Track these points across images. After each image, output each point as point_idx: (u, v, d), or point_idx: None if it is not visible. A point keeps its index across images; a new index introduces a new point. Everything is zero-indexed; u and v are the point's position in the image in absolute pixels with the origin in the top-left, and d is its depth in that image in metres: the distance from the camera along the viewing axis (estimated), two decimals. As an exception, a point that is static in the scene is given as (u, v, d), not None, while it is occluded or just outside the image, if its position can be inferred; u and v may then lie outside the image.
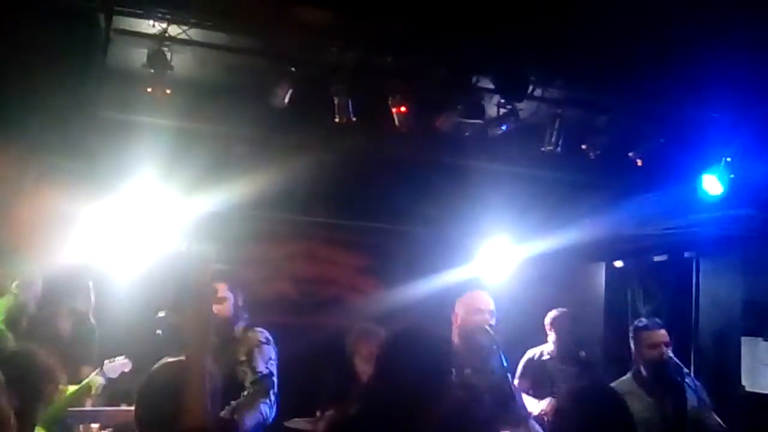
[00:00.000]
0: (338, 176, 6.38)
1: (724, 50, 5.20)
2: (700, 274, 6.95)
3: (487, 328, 4.96)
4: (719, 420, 4.98)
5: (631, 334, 5.28)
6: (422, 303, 6.28)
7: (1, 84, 4.79)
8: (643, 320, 5.33)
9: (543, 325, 6.48)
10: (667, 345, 5.14)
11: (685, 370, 5.56)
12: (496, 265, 7.15)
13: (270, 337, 4.78)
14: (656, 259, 7.28)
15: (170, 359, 3.06)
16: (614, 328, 6.45)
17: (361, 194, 6.62)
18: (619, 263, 7.61)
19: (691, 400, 5.08)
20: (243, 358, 4.63)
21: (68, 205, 5.45)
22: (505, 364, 5.07)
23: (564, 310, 6.39)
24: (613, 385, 5.12)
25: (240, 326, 4.81)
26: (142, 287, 5.80)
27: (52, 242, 5.14)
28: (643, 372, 5.15)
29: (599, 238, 6.76)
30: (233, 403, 4.37)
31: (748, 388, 6.43)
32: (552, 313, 6.40)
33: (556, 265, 7.05)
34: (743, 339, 6.57)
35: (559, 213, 6.64)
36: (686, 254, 7.07)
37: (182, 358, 3.01)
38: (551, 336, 6.35)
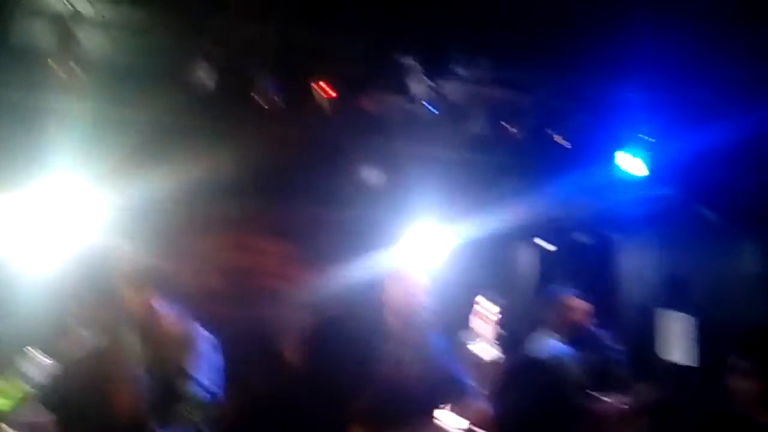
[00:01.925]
0: (262, 163, 5.98)
1: (644, 29, 5.03)
2: (621, 252, 6.83)
3: (420, 306, 4.74)
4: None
5: (546, 301, 5.38)
6: (352, 288, 5.97)
7: None
8: (557, 287, 5.39)
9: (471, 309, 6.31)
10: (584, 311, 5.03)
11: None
12: (425, 248, 6.87)
13: (205, 333, 4.39)
14: (580, 238, 7.13)
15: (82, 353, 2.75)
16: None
17: (287, 180, 6.24)
18: (545, 244, 7.44)
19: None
20: (173, 355, 4.27)
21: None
22: (440, 344, 4.85)
23: (491, 292, 6.23)
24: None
25: (173, 324, 4.44)
26: (53, 282, 5.32)
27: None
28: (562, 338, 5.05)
29: (525, 219, 6.56)
30: None
31: (666, 360, 6.32)
32: (479, 297, 6.24)
33: (483, 247, 6.81)
34: (662, 312, 6.45)
35: (484, 196, 6.39)
36: (607, 233, 6.94)
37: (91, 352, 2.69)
38: (479, 319, 6.19)
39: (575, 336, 5.05)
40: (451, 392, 4.62)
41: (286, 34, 4.81)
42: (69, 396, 2.65)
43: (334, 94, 5.01)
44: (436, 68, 5.05)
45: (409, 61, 5.11)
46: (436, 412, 4.48)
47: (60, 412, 2.70)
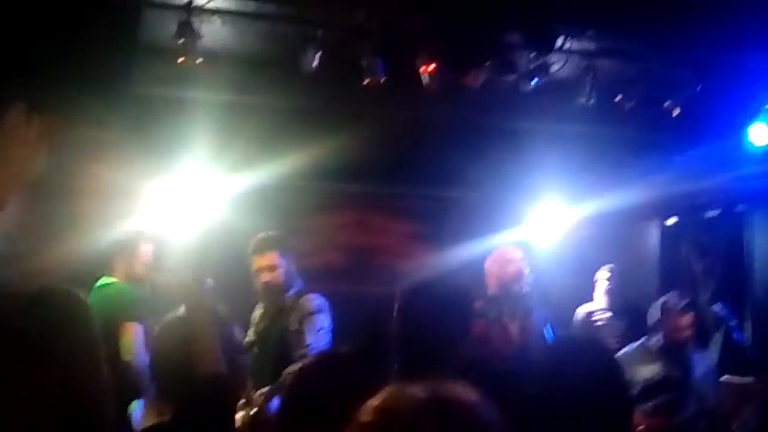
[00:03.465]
0: (381, 143, 6.14)
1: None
2: (753, 227, 6.48)
3: (522, 279, 4.81)
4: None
5: (659, 309, 5.01)
6: (472, 267, 6.03)
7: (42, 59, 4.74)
8: (674, 298, 5.03)
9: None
10: (689, 329, 4.91)
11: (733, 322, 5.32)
12: (548, 227, 6.82)
13: (323, 304, 4.59)
14: (708, 215, 6.81)
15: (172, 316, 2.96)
16: (669, 287, 6.04)
17: (406, 161, 6.34)
18: (671, 221, 7.17)
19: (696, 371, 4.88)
20: (294, 327, 4.47)
21: (126, 180, 5.40)
22: (543, 315, 4.89)
23: (611, 266, 6.14)
24: (623, 352, 4.98)
25: (292, 293, 4.65)
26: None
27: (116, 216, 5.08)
28: (656, 344, 4.93)
29: (650, 196, 6.36)
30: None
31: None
32: (601, 270, 6.18)
33: (609, 225, 6.66)
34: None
35: (608, 173, 6.24)
36: (737, 208, 6.60)
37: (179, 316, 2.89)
38: (599, 292, 6.13)
39: (673, 352, 4.90)
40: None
41: (391, 17, 4.92)
42: (160, 355, 2.86)
43: (438, 72, 5.06)
44: (541, 42, 5.00)
45: (514, 37, 5.11)
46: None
47: (154, 370, 2.92)
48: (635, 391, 4.47)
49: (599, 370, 2.43)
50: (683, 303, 4.93)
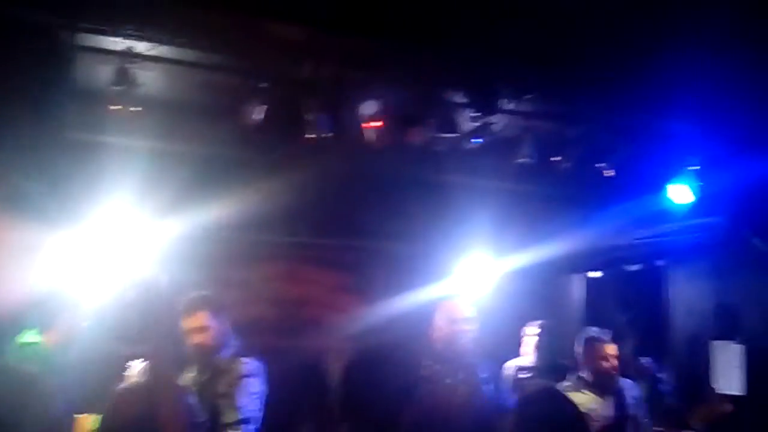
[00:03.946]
0: (316, 195, 6.10)
1: (691, 60, 5.04)
2: (672, 281, 6.77)
3: (466, 334, 4.82)
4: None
5: (581, 343, 5.25)
6: (402, 319, 6.00)
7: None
8: (595, 330, 5.30)
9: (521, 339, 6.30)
10: (614, 359, 5.10)
11: (662, 375, 5.49)
12: (476, 280, 6.89)
13: (257, 368, 4.41)
14: (630, 268, 7.08)
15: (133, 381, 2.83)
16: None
17: (340, 213, 6.33)
18: (595, 274, 7.41)
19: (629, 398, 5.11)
20: (225, 390, 4.27)
21: (36, 231, 5.14)
22: (485, 374, 4.92)
23: (541, 322, 6.21)
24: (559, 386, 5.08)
25: (225, 355, 4.48)
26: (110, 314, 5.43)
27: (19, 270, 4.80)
28: (588, 378, 5.10)
29: (576, 250, 6.55)
30: None
31: (718, 390, 6.22)
32: (528, 327, 6.23)
33: (535, 278, 6.82)
34: (714, 343, 6.37)
35: (536, 227, 6.43)
36: (658, 263, 6.88)
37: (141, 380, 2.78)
38: (527, 348, 6.18)
39: (603, 383, 5.07)
40: (494, 417, 4.70)
41: (336, 73, 4.89)
42: (124, 423, 2.72)
43: (383, 128, 5.07)
44: (483, 103, 5.09)
45: (456, 96, 5.17)
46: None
47: None
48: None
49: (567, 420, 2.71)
50: (605, 334, 5.20)
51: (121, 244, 5.62)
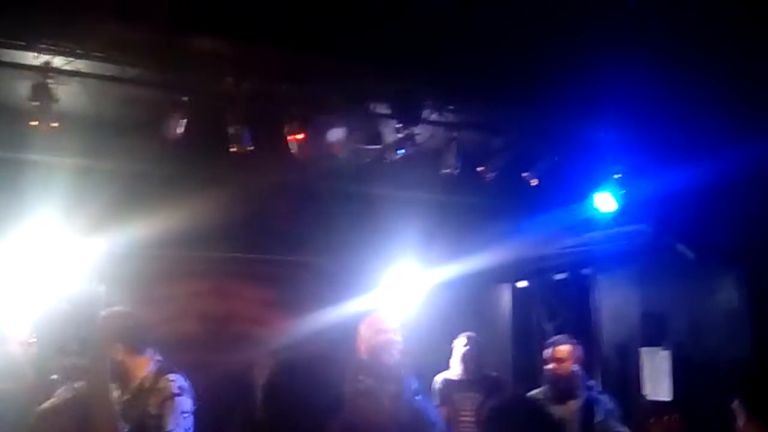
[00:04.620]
0: (240, 210, 6.09)
1: (613, 69, 5.17)
2: (599, 289, 6.92)
3: (393, 346, 4.85)
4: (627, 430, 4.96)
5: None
6: (329, 332, 6.03)
7: None
8: (553, 337, 5.35)
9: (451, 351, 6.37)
10: (569, 360, 5.07)
11: (591, 382, 5.52)
12: (403, 292, 6.95)
13: (184, 386, 4.29)
14: (557, 277, 7.21)
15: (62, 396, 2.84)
16: (522, 347, 6.34)
17: (265, 227, 6.33)
18: (522, 284, 7.53)
19: (598, 413, 5.01)
20: (153, 411, 4.15)
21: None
22: (413, 385, 4.94)
23: (469, 334, 6.28)
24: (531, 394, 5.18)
25: (149, 372, 4.43)
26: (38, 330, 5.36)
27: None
28: (549, 385, 5.09)
29: (503, 260, 6.66)
30: None
31: (649, 397, 6.38)
32: (457, 339, 6.30)
33: (462, 289, 6.91)
34: (642, 350, 6.53)
35: (463, 238, 6.49)
36: (584, 271, 7.03)
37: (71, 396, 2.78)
38: (457, 360, 6.24)
39: (556, 387, 5.10)
40: (423, 429, 4.73)
41: (259, 86, 4.92)
42: None
43: (306, 141, 5.11)
44: (407, 114, 5.16)
45: (380, 108, 5.24)
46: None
47: None
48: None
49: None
50: (563, 337, 5.23)
51: (47, 261, 5.58)
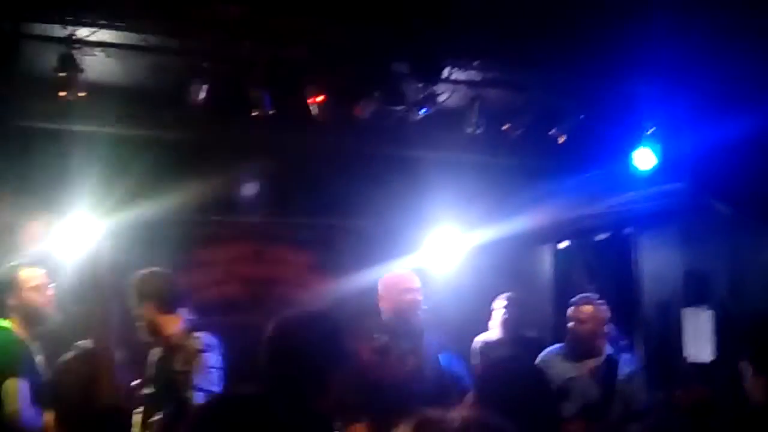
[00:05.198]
0: (277, 175, 6.27)
1: (649, 18, 5.06)
2: (640, 249, 6.81)
3: (418, 308, 4.92)
4: (644, 394, 4.96)
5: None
6: (369, 295, 6.15)
7: None
8: (578, 295, 5.19)
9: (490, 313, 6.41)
10: (590, 321, 5.01)
11: (623, 342, 5.49)
12: (444, 254, 7.02)
13: (211, 342, 4.48)
14: (598, 237, 7.13)
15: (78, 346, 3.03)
16: (562, 308, 6.26)
17: (303, 191, 6.50)
18: (563, 245, 7.47)
19: (621, 373, 4.97)
20: (181, 367, 4.35)
21: (5, 216, 5.34)
22: (436, 341, 5.02)
23: (509, 295, 6.30)
24: (542, 354, 5.09)
25: (179, 332, 4.63)
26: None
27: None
28: (566, 343, 5.06)
29: (543, 221, 6.64)
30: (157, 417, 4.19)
31: (690, 359, 6.28)
32: (497, 301, 6.33)
33: (503, 250, 6.90)
34: (684, 310, 6.40)
35: (503, 199, 6.51)
36: (626, 231, 6.93)
37: (87, 346, 2.96)
38: (494, 323, 6.28)
39: (577, 348, 5.05)
40: (447, 389, 4.80)
41: (277, 49, 5.03)
42: (65, 390, 2.91)
43: (327, 103, 5.20)
44: (427, 73, 5.19)
45: (401, 67, 5.29)
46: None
47: (55, 406, 2.97)
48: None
49: (531, 387, 2.76)
50: (590, 296, 5.12)
51: (84, 229, 5.85)
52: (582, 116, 5.72)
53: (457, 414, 1.61)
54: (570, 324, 5.01)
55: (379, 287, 5.08)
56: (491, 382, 2.85)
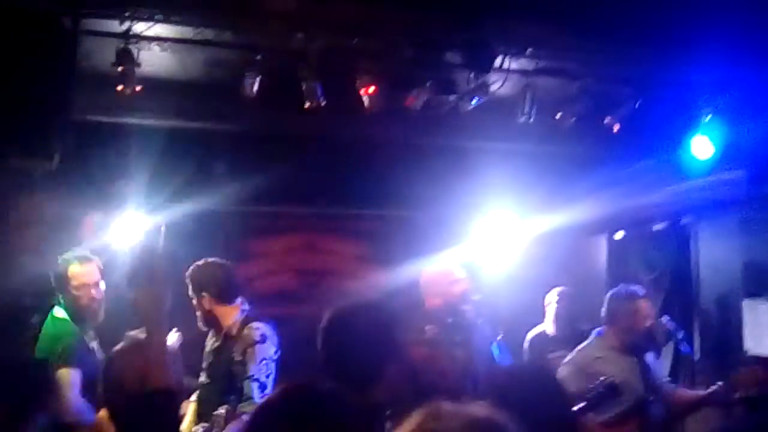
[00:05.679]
0: (331, 166, 6.34)
1: (703, 3, 5.01)
2: (699, 239, 6.72)
3: (469, 298, 4.93)
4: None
5: (617, 299, 4.98)
6: (419, 286, 6.17)
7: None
8: (629, 287, 5.07)
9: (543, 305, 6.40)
10: (649, 316, 4.94)
11: (680, 334, 5.43)
12: (496, 245, 7.01)
13: (267, 333, 4.61)
14: (655, 227, 7.04)
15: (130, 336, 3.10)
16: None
17: (356, 182, 6.56)
18: (619, 235, 7.40)
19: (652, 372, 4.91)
20: (239, 357, 4.52)
21: (64, 210, 5.49)
22: (488, 333, 5.02)
23: (562, 288, 6.29)
24: (576, 349, 5.01)
25: (236, 320, 4.74)
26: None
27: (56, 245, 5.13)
28: (621, 339, 4.90)
29: (598, 212, 6.59)
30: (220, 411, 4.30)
31: (750, 352, 6.18)
32: (549, 294, 6.32)
33: (558, 241, 6.88)
34: (744, 302, 6.32)
35: (557, 189, 6.48)
36: (683, 220, 6.83)
37: (139, 336, 3.04)
38: (550, 315, 6.27)
39: (637, 344, 4.96)
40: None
41: (329, 41, 5.09)
42: (115, 381, 2.99)
43: (379, 93, 5.25)
44: (479, 63, 5.19)
45: (453, 57, 5.30)
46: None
47: (106, 396, 3.05)
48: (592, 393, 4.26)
49: (546, 397, 2.71)
50: (639, 290, 4.96)
51: (143, 221, 6.00)
52: (637, 104, 5.65)
53: (470, 409, 1.64)
54: (637, 320, 4.87)
55: (423, 281, 5.07)
56: (503, 386, 2.83)
